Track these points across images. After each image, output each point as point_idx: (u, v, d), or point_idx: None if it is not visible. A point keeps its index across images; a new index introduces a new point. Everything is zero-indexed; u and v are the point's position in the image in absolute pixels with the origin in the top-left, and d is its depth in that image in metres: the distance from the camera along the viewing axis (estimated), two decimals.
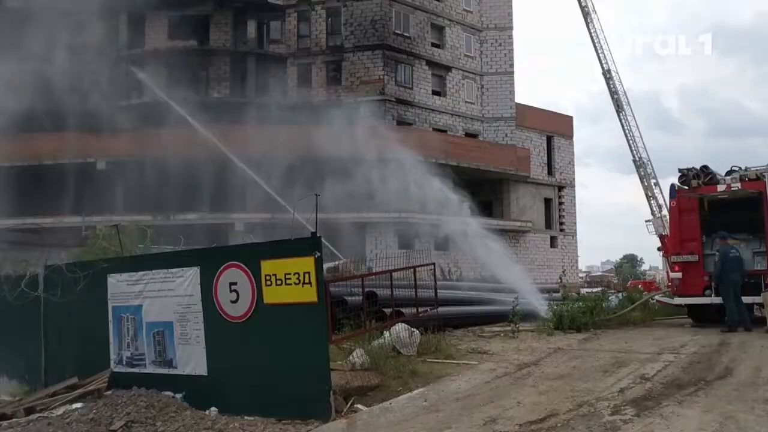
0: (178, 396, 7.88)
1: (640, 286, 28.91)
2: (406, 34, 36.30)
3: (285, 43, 36.95)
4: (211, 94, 34.57)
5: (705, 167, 14.83)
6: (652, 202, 28.57)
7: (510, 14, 39.92)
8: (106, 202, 31.69)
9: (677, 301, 14.97)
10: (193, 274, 8.12)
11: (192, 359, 8.06)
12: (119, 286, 8.91)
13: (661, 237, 24.14)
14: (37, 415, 8.09)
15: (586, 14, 32.83)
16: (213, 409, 7.59)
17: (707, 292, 13.76)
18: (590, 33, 33.69)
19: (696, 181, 14.46)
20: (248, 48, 36.37)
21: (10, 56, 32.77)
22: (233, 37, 36.34)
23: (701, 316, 14.41)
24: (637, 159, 29.60)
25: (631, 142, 30.52)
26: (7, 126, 35.26)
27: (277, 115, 32.01)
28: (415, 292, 11.34)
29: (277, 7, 37.05)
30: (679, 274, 14.38)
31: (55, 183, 31.96)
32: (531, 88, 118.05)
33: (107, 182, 32.52)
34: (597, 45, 33.11)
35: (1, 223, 30.53)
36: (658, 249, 24.23)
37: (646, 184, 29.19)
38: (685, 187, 14.57)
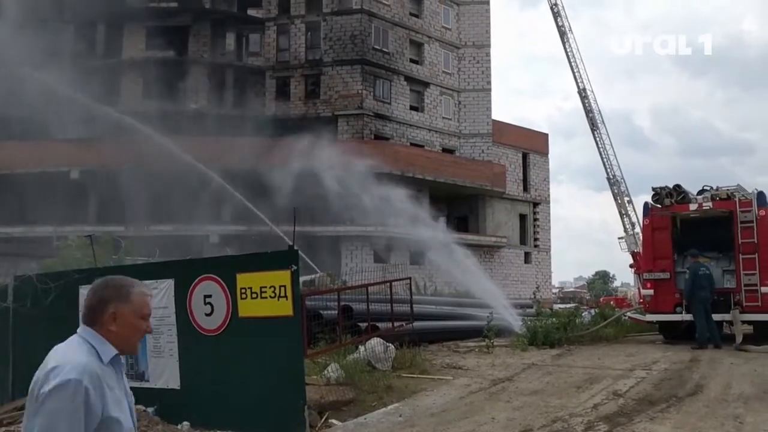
0: (150, 410, 7.76)
1: (612, 302, 29.19)
2: (385, 49, 36.52)
3: (264, 55, 36.95)
4: (188, 105, 34.35)
5: (678, 186, 15.08)
6: (625, 219, 28.97)
7: (488, 32, 40.40)
8: (79, 212, 31.29)
9: (649, 317, 15.14)
10: (167, 286, 8.02)
11: (165, 372, 7.95)
12: None
13: (634, 254, 24.47)
14: (4, 429, 7.92)
15: (562, 33, 33.32)
16: (185, 423, 7.48)
17: (678, 309, 13.93)
18: (566, 52, 34.19)
19: (669, 199, 14.69)
20: (227, 60, 36.31)
21: None
22: (212, 49, 36.25)
23: (672, 333, 14.59)
24: (611, 177, 30.02)
25: (605, 159, 30.95)
26: None
27: (252, 127, 31.98)
28: (391, 306, 11.34)
29: (257, 19, 37.10)
30: (651, 291, 14.55)
31: (27, 192, 31.49)
32: (505, 104, 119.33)
33: (80, 192, 32.13)
34: (573, 64, 33.60)
35: None
36: (631, 266, 24.56)
37: (619, 201, 29.60)
38: (659, 206, 14.78)
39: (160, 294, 8.03)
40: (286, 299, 7.06)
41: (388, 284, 11.77)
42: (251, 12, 37.65)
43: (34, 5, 33.63)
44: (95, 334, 2.30)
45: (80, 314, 2.39)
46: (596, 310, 18.92)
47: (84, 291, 8.84)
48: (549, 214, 43.96)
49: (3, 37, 32.16)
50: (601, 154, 31.27)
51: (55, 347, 2.30)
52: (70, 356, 2.21)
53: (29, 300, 9.13)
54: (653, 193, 15.02)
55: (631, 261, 24.69)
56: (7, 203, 31.57)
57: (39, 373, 2.24)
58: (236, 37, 36.97)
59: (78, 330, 2.34)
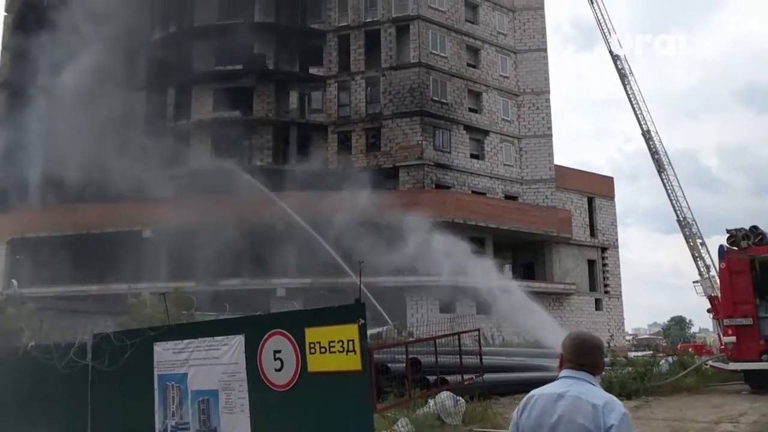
0: None
1: (690, 349, 27.96)
2: (443, 100, 36.91)
3: (326, 112, 37.86)
4: (254, 163, 35.38)
5: (754, 227, 14.51)
6: (699, 262, 27.90)
7: (546, 78, 40.37)
8: (151, 270, 32.31)
9: (732, 366, 14.41)
10: (237, 342, 8.13)
11: (236, 428, 8.00)
12: (165, 354, 8.97)
13: (711, 299, 23.45)
14: None
15: (623, 76, 33.05)
16: None
17: (764, 357, 13.23)
18: (628, 94, 33.81)
19: (746, 241, 14.13)
20: (290, 117, 37.35)
21: (63, 129, 34.36)
22: (276, 108, 37.41)
23: (759, 382, 13.81)
24: (682, 219, 29.12)
25: (674, 201, 30.11)
26: (59, 197, 36.68)
27: (315, 181, 32.67)
28: (460, 358, 11.15)
29: (318, 78, 38.17)
30: (733, 338, 13.89)
31: (102, 251, 32.79)
32: (566, 149, 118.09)
33: (153, 250, 33.23)
34: (635, 106, 33.15)
35: (50, 290, 31.30)
36: (708, 311, 23.50)
37: (691, 244, 28.61)
38: (735, 248, 14.23)
39: (231, 350, 8.14)
40: (355, 353, 7.04)
41: (456, 336, 11.60)
42: (313, 71, 38.79)
43: (109, 74, 35.67)
44: (595, 378, 2.84)
45: (573, 362, 2.87)
46: (674, 358, 18.15)
47: (159, 348, 9.05)
48: (618, 258, 42.79)
49: (81, 103, 34.20)
50: (669, 196, 30.47)
51: (575, 392, 2.76)
52: (604, 393, 2.76)
53: (107, 357, 9.40)
54: (728, 235, 14.49)
55: (708, 306, 23.65)
56: (84, 262, 32.95)
57: (580, 412, 2.68)
58: (299, 95, 38.06)
59: (578, 375, 2.82)
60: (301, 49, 38.50)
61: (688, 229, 28.84)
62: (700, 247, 28.33)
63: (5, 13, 48.63)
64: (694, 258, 28.08)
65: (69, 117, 34.75)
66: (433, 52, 36.99)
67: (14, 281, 32.15)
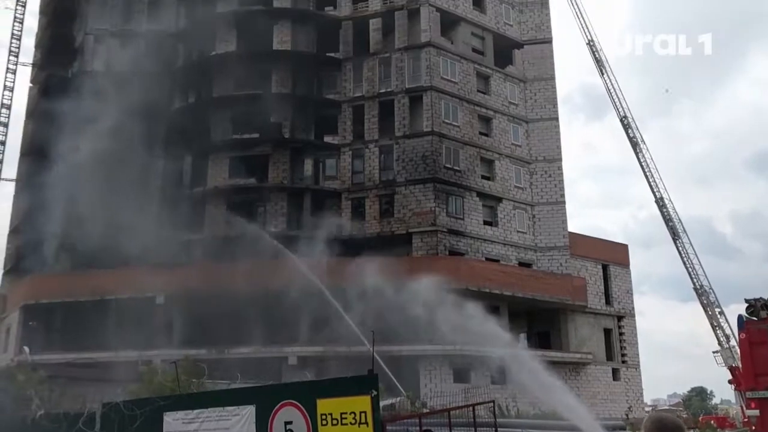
0: None
1: (713, 422, 27.15)
2: (456, 168, 37.29)
3: (340, 178, 38.31)
4: (268, 229, 35.61)
5: None
6: (718, 332, 27.47)
7: (558, 147, 40.77)
8: (163, 336, 32.20)
9: None
10: (248, 412, 8.04)
11: None
12: (175, 424, 8.87)
13: (732, 369, 22.93)
14: None
15: (634, 144, 33.42)
16: None
17: None
18: (640, 162, 34.12)
19: (765, 311, 13.91)
20: (304, 184, 37.80)
21: (82, 194, 34.97)
22: (290, 175, 37.92)
23: None
24: (699, 287, 28.83)
25: (690, 269, 29.89)
26: (74, 262, 37.03)
27: (329, 247, 32.78)
28: (475, 430, 10.90)
29: (333, 146, 38.81)
30: (756, 411, 13.50)
31: (115, 317, 32.80)
32: (579, 216, 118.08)
33: (165, 316, 33.21)
34: (648, 174, 33.39)
35: (61, 357, 31.21)
36: (730, 382, 22.96)
37: (710, 313, 28.24)
38: (754, 318, 13.99)
39: (241, 421, 8.04)
40: (367, 426, 6.92)
41: (470, 408, 11.37)
42: (328, 139, 39.49)
43: (128, 141, 36.55)
44: None
45: None
46: (696, 430, 17.61)
47: (168, 418, 8.94)
48: (635, 327, 42.10)
49: (100, 169, 34.94)
50: (685, 263, 30.28)
51: None
52: None
53: (116, 426, 9.30)
54: (747, 305, 14.28)
55: (730, 377, 23.11)
56: (97, 329, 32.90)
57: None
58: (313, 162, 38.62)
59: None
60: (316, 118, 39.30)
61: (705, 297, 28.51)
62: (718, 316, 27.94)
63: (30, 84, 50.29)
64: (713, 327, 27.65)
65: (87, 183, 35.45)
66: (446, 121, 37.62)
67: (26, 348, 32.15)
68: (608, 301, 40.89)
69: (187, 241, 35.95)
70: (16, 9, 47.77)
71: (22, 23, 47.99)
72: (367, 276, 28.33)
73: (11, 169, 47.71)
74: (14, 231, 47.16)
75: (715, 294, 28.71)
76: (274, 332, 31.40)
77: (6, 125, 46.55)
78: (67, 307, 34.76)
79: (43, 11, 50.47)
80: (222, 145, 38.35)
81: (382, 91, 38.60)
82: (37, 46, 50.50)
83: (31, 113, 48.56)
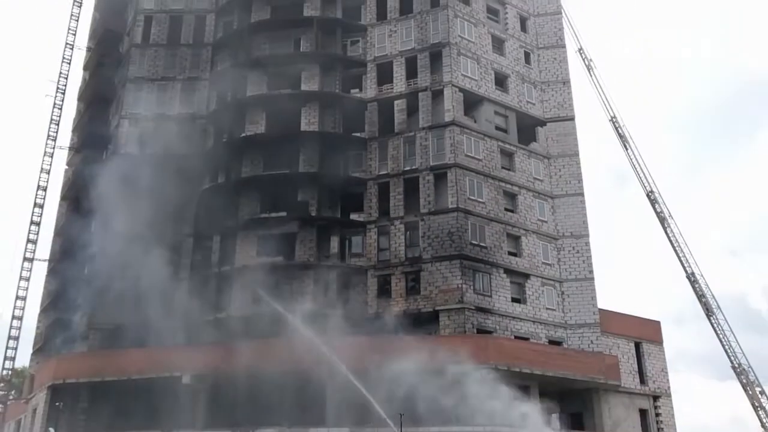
0: None
1: None
2: (482, 244, 37.21)
3: (366, 256, 38.39)
4: (294, 307, 35.54)
5: None
6: (760, 412, 26.42)
7: (585, 222, 40.57)
8: (188, 416, 31.89)
9: None
10: None
11: None
12: None
13: None
14: None
15: (662, 219, 33.23)
16: None
17: None
18: (669, 237, 33.82)
19: None
20: (331, 262, 37.92)
21: (111, 275, 35.54)
22: (317, 253, 38.13)
23: None
24: (737, 366, 28.01)
25: (726, 347, 29.08)
26: (102, 342, 37.28)
27: (355, 325, 32.63)
28: None
29: (359, 223, 39.13)
30: None
31: (141, 397, 32.64)
32: (609, 292, 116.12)
33: (191, 396, 32.96)
34: (677, 248, 33.00)
35: None
36: None
37: (750, 392, 27.29)
38: None
39: None
40: None
41: None
42: (354, 216, 39.83)
43: (158, 223, 37.29)
44: None
45: None
46: None
47: None
48: (672, 407, 40.53)
49: (129, 250, 35.58)
50: (721, 341, 29.50)
51: None
52: None
53: None
54: None
55: None
56: (123, 409, 32.77)
57: None
58: (340, 240, 38.82)
59: None
60: (342, 195, 39.81)
61: (744, 376, 27.65)
62: (759, 395, 26.94)
63: (66, 167, 51.99)
64: (755, 408, 26.68)
65: (117, 263, 36.08)
66: (471, 197, 37.84)
67: (51, 429, 31.97)
68: (643, 380, 39.66)
69: (214, 320, 36.10)
70: (55, 96, 49.95)
71: (61, 109, 50.06)
72: (394, 356, 28.04)
73: (44, 249, 48.80)
74: (44, 310, 47.82)
75: (754, 372, 27.82)
76: (301, 413, 30.92)
77: (41, 206, 47.84)
78: (94, 386, 34.73)
79: (81, 98, 52.77)
80: (250, 224, 38.88)
81: (407, 168, 39.13)
82: (74, 131, 52.50)
83: (66, 194, 50.05)
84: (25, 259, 46.56)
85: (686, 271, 31.78)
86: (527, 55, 44.13)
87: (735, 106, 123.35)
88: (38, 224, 47.61)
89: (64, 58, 50.85)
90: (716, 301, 30.16)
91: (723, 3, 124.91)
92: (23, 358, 49.21)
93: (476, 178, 38.46)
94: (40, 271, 48.94)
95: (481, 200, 38.10)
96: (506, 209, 39.25)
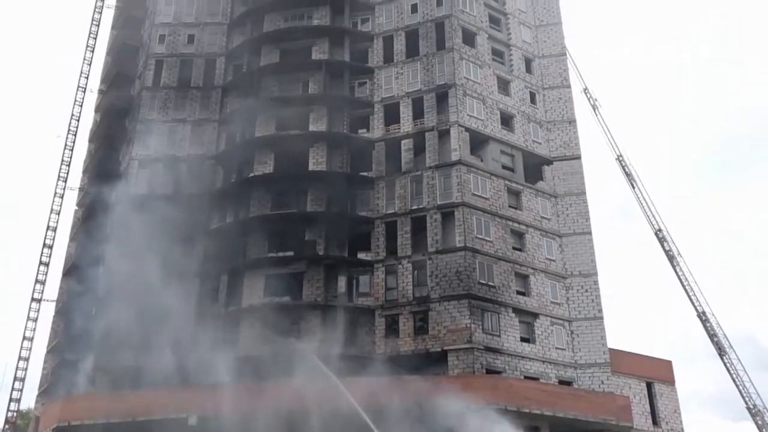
0: None
1: None
2: (490, 283, 37.07)
3: (373, 295, 38.28)
4: (301, 347, 35.33)
5: None
6: None
7: (593, 261, 40.42)
8: None
9: None
10: None
11: None
12: None
13: None
14: None
15: (671, 257, 33.08)
16: None
17: None
18: (678, 275, 33.61)
19: None
20: (338, 302, 37.81)
21: (118, 315, 35.51)
22: (324, 292, 38.06)
23: None
24: (752, 407, 27.55)
25: (740, 387, 28.64)
26: (108, 383, 37.03)
27: (363, 365, 32.35)
28: None
29: (366, 262, 39.11)
30: None
31: None
32: (619, 331, 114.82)
33: None
34: (687, 287, 32.77)
35: None
36: None
37: None
38: None
39: None
40: None
41: None
42: (361, 255, 39.84)
43: (165, 261, 37.39)
44: None
45: None
46: None
47: None
48: None
49: (136, 289, 35.63)
50: (734, 381, 29.06)
51: None
52: None
53: None
54: None
55: None
56: None
57: None
58: (347, 279, 38.76)
59: None
60: (350, 235, 39.89)
61: (760, 417, 27.20)
62: None
63: (76, 207, 52.39)
64: None
65: (125, 302, 36.08)
66: (479, 236, 37.84)
67: None
68: (655, 422, 39.01)
69: (222, 360, 35.86)
70: (67, 137, 50.68)
71: (72, 150, 50.71)
72: (403, 396, 27.76)
73: (52, 290, 48.92)
74: (51, 351, 47.66)
75: None
76: None
77: (51, 247, 48.11)
78: (100, 429, 34.34)
79: (92, 139, 53.49)
80: (257, 263, 38.93)
81: (414, 207, 39.27)
82: (84, 171, 53.06)
83: (75, 235, 50.33)
84: (33, 299, 46.68)
85: (697, 310, 31.51)
86: (533, 96, 44.62)
87: (748, 136, 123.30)
88: (47, 264, 47.85)
89: (76, 100, 51.77)
90: (728, 341, 29.78)
91: (726, 24, 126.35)
92: (29, 400, 48.87)
93: (483, 216, 38.53)
94: (47, 312, 48.99)
95: (488, 239, 38.10)
96: (514, 248, 39.21)
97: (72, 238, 50.93)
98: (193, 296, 39.27)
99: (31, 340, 45.88)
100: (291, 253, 39.32)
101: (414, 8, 44.56)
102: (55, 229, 48.41)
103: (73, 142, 51.02)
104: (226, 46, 47.22)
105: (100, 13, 54.03)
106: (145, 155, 43.47)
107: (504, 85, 43.62)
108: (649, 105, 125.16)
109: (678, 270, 32.72)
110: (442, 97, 41.22)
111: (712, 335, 30.00)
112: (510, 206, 40.14)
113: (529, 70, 45.42)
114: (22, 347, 45.47)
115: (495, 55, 44.35)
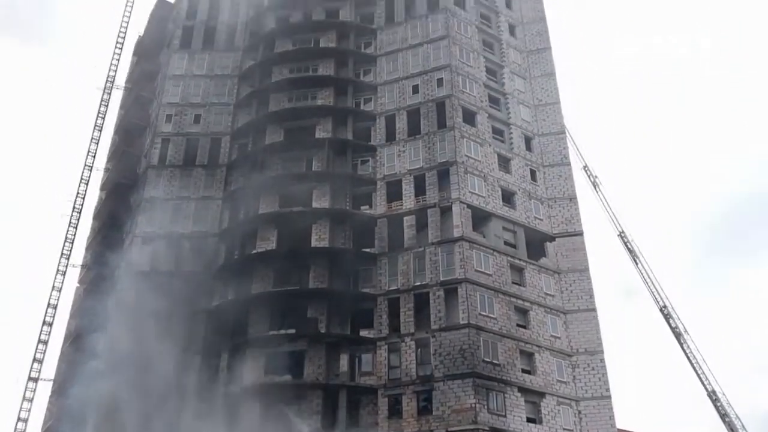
0: None
1: None
2: (495, 361, 36.46)
3: (376, 374, 37.60)
4: (302, 429, 34.47)
5: None
6: None
7: (599, 338, 39.72)
8: None
9: None
10: None
11: None
12: None
13: None
14: None
15: (677, 335, 32.66)
16: None
17: None
18: (686, 354, 33.06)
19: None
20: (340, 381, 37.12)
21: (117, 392, 34.87)
22: (326, 371, 37.41)
23: None
24: None
25: None
26: None
27: None
28: None
29: (369, 340, 38.60)
30: None
31: None
32: (628, 408, 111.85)
33: None
34: (695, 365, 32.18)
35: None
36: None
37: None
38: None
39: None
40: None
41: None
42: (363, 333, 39.34)
43: (165, 341, 37.01)
44: None
45: None
46: None
47: None
48: None
49: (137, 366, 35.10)
50: None
51: None
52: None
53: None
54: None
55: None
56: None
57: None
58: (349, 357, 38.16)
59: None
60: (352, 312, 39.55)
61: None
62: None
63: (78, 284, 52.30)
64: None
65: (124, 380, 35.49)
66: (482, 313, 37.46)
67: None
68: None
69: None
70: (71, 215, 51.04)
71: (76, 228, 50.98)
72: None
73: (50, 368, 48.16)
74: None
75: None
76: None
77: (50, 324, 47.69)
78: None
79: (96, 217, 53.89)
80: (258, 341, 38.45)
81: (417, 284, 39.06)
82: (87, 249, 53.19)
83: (75, 312, 50.01)
84: (30, 378, 45.88)
85: (707, 389, 30.81)
86: (533, 173, 45.15)
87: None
88: (46, 343, 47.27)
89: (82, 178, 52.42)
90: (741, 421, 28.98)
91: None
92: None
93: (487, 293, 38.25)
94: (44, 392, 48.07)
95: (492, 316, 37.70)
96: (518, 325, 38.75)
97: (72, 315, 50.56)
98: (194, 374, 38.63)
99: (25, 421, 44.82)
100: (293, 331, 38.87)
101: (415, 89, 45.74)
102: (55, 307, 48.09)
103: (78, 220, 51.36)
104: (232, 125, 48.24)
105: (110, 93, 55.50)
106: (149, 232, 43.70)
107: (505, 163, 44.21)
108: (652, 176, 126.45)
109: (685, 347, 32.25)
110: (443, 175, 41.70)
111: (723, 415, 29.28)
112: (513, 282, 39.92)
113: (529, 147, 46.14)
114: (16, 429, 44.35)
115: (495, 134, 45.17)
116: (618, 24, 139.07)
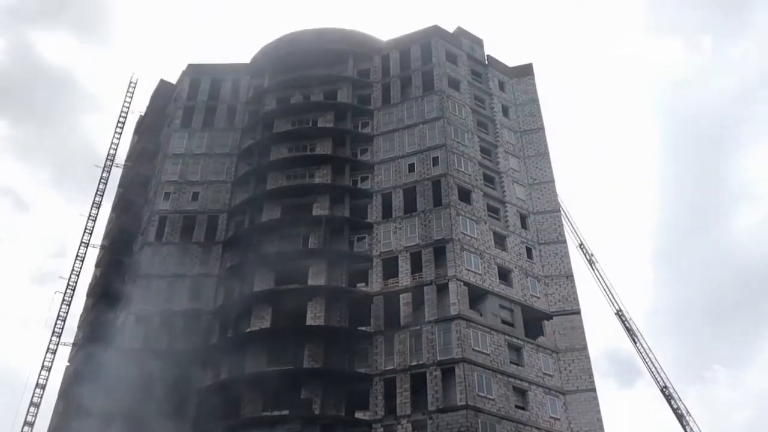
0: None
1: None
2: None
3: None
4: None
5: None
6: None
7: (599, 419, 38.64)
8: None
9: None
10: None
11: None
12: None
13: None
14: None
15: (680, 416, 31.98)
16: None
17: None
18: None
19: None
20: None
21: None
22: None
23: None
24: None
25: None
26: None
27: None
28: None
29: (364, 422, 37.59)
30: None
31: None
32: None
33: None
34: None
35: None
36: None
37: None
38: None
39: None
40: None
41: None
42: (359, 415, 38.37)
43: (160, 426, 36.10)
44: None
45: None
46: None
47: None
48: None
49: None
50: None
51: None
52: None
53: None
54: None
55: None
56: None
57: None
58: None
59: None
60: (347, 392, 38.72)
61: None
62: None
63: (68, 363, 51.26)
64: None
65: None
66: (480, 394, 36.69)
67: None
68: None
69: None
70: (65, 292, 50.66)
71: (69, 305, 50.50)
72: None
73: None
74: None
75: None
76: None
77: (37, 405, 46.52)
78: None
79: (90, 294, 53.45)
80: (251, 423, 37.44)
81: (414, 363, 38.40)
82: (79, 327, 52.50)
83: (63, 392, 48.85)
84: None
85: None
86: (529, 251, 45.24)
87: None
88: (32, 425, 45.95)
89: (77, 255, 52.32)
90: None
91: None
92: None
93: (485, 373, 37.57)
94: None
95: (490, 397, 36.89)
96: (517, 406, 37.86)
97: (60, 396, 49.37)
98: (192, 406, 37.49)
99: None
100: (286, 412, 37.93)
101: (411, 167, 46.38)
102: (43, 387, 47.04)
103: (71, 297, 50.92)
104: (229, 202, 48.59)
105: (109, 172, 56.14)
106: (143, 309, 43.29)
107: (500, 240, 44.37)
108: (649, 252, 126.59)
109: (688, 429, 31.43)
110: (439, 252, 41.72)
111: None
112: (511, 362, 39.28)
113: (524, 225, 46.42)
114: None
115: (491, 212, 45.52)
116: (607, 108, 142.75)
